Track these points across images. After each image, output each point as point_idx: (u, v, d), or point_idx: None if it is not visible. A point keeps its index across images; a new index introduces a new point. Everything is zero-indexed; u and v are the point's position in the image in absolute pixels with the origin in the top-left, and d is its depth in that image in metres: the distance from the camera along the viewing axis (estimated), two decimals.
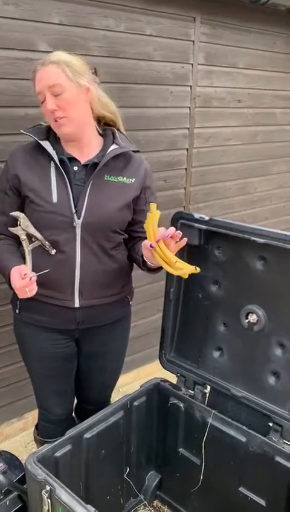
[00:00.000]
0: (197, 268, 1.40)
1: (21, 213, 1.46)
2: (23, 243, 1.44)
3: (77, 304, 1.58)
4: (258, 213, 3.35)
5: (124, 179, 1.57)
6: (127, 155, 1.58)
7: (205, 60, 2.60)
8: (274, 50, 2.99)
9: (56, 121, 1.47)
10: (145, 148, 2.46)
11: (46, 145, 1.52)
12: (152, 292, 2.69)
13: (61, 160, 1.51)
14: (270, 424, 1.59)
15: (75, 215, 1.49)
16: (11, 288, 1.48)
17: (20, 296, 1.45)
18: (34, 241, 1.47)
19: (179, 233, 1.34)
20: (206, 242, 1.68)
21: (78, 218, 1.50)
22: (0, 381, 2.28)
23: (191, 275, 1.55)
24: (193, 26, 2.48)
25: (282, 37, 3.00)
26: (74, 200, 1.50)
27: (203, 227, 1.63)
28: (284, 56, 3.08)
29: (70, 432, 1.55)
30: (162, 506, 1.97)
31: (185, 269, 1.39)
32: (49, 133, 1.56)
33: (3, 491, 1.55)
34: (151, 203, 1.35)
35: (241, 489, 1.66)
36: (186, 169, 2.74)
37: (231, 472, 1.67)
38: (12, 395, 2.35)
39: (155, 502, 1.98)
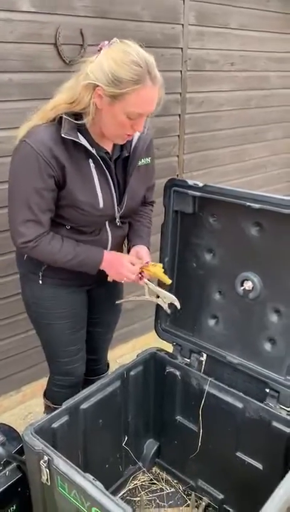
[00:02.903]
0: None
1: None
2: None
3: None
4: (253, 181, 3.30)
5: (146, 160, 1.60)
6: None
7: (196, 19, 2.50)
8: (268, 9, 2.88)
9: (128, 136, 1.44)
10: None
11: (87, 144, 1.41)
12: None
13: (101, 158, 1.45)
14: (267, 390, 1.59)
15: (116, 211, 1.56)
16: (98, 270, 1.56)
17: (113, 277, 1.59)
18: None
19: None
20: (200, 210, 1.64)
21: (119, 212, 1.57)
22: None
23: (185, 244, 1.53)
24: None
25: None
26: (116, 199, 1.54)
27: (197, 194, 1.60)
28: (278, 15, 2.97)
29: (67, 403, 1.55)
30: (160, 473, 2.00)
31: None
32: (79, 126, 1.41)
33: (2, 462, 1.57)
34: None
35: (238, 454, 1.68)
36: (178, 136, 2.67)
37: (228, 438, 1.69)
38: (11, 368, 2.35)
39: (154, 469, 2.01)
